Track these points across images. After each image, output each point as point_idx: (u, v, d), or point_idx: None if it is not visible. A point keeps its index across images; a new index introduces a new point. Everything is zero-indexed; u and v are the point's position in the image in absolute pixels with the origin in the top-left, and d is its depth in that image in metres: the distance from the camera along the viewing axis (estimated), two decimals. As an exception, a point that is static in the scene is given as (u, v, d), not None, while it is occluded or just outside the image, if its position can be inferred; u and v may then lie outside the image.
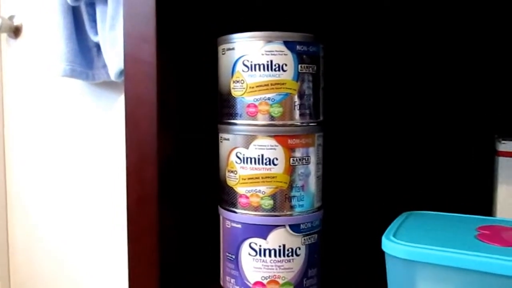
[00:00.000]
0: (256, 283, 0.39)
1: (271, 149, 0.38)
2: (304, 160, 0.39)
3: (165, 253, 0.40)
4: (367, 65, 0.56)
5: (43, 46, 1.02)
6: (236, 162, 0.39)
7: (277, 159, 0.38)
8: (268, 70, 0.38)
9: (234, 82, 0.39)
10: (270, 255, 0.39)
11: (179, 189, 0.43)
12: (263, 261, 0.39)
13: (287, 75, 0.38)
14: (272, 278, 0.39)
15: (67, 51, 0.84)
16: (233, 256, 0.40)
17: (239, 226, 0.40)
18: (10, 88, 1.11)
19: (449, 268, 0.29)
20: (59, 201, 1.05)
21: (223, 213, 0.41)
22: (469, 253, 0.29)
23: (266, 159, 0.38)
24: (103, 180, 0.97)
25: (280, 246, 0.39)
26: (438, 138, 0.53)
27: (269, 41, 0.38)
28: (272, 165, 0.38)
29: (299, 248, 0.39)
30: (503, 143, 0.41)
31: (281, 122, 0.38)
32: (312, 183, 0.40)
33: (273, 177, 0.38)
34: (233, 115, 0.39)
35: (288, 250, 0.39)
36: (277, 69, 0.38)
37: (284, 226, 0.39)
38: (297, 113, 0.39)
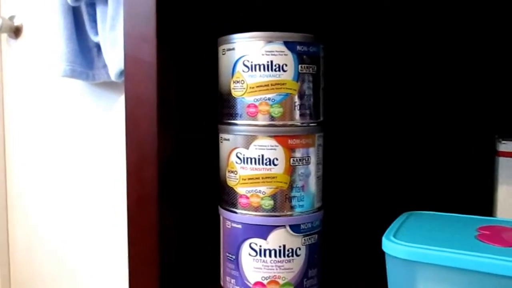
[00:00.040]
0: (256, 283, 0.39)
1: (271, 149, 0.38)
2: (304, 161, 0.39)
3: (165, 253, 0.40)
4: (367, 66, 0.56)
5: (43, 46, 1.02)
6: (236, 162, 0.39)
7: (277, 159, 0.38)
8: (268, 70, 0.38)
9: (234, 82, 0.39)
10: (270, 256, 0.39)
11: (179, 189, 0.43)
12: (263, 261, 0.39)
13: (287, 75, 0.38)
14: (272, 279, 0.39)
15: (67, 51, 0.84)
16: (233, 257, 0.40)
17: (239, 226, 0.40)
18: (11, 88, 1.11)
19: (450, 268, 0.29)
20: (59, 201, 1.05)
21: (223, 213, 0.41)
22: (469, 253, 0.29)
23: (266, 160, 0.38)
24: (103, 180, 0.97)
25: (280, 247, 0.39)
26: (438, 138, 0.53)
27: (270, 41, 0.38)
28: (272, 165, 0.38)
29: (299, 249, 0.39)
30: (504, 143, 0.41)
31: (281, 123, 0.38)
32: (312, 184, 0.40)
33: (273, 178, 0.38)
34: (233, 115, 0.39)
35: (288, 251, 0.39)
36: (277, 69, 0.38)
37: (284, 226, 0.39)
38: (297, 113, 0.39)
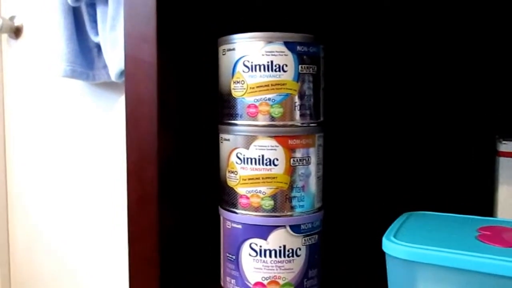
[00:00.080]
0: (257, 283, 0.39)
1: (271, 149, 0.38)
2: (304, 161, 0.39)
3: (166, 253, 0.40)
4: (368, 66, 0.56)
5: (43, 46, 1.02)
6: (237, 163, 0.39)
7: (277, 159, 0.38)
8: (268, 70, 0.38)
9: (234, 82, 0.39)
10: (270, 256, 0.39)
11: (179, 189, 0.43)
12: (264, 261, 0.39)
13: (288, 76, 0.38)
14: (273, 279, 0.39)
15: (67, 51, 0.84)
16: (234, 257, 0.40)
17: (240, 226, 0.39)
18: (11, 88, 1.11)
19: (450, 268, 0.29)
20: (59, 201, 1.05)
21: (224, 213, 0.41)
22: (470, 254, 0.29)
23: (266, 160, 0.38)
24: (103, 180, 0.97)
25: (280, 247, 0.39)
26: (438, 138, 0.53)
27: (270, 42, 0.38)
28: (272, 166, 0.38)
29: (300, 249, 0.39)
30: (504, 144, 0.41)
31: (281, 123, 0.38)
32: (313, 184, 0.40)
33: (274, 178, 0.38)
34: (234, 116, 0.39)
35: (288, 251, 0.39)
36: (277, 69, 0.38)
37: (284, 226, 0.39)
38: (297, 113, 0.39)
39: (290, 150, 0.38)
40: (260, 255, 0.39)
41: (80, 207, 1.02)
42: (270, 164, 0.38)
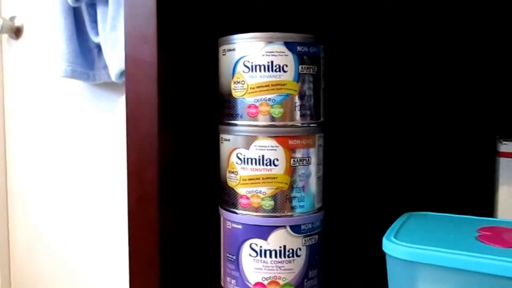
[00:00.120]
0: (257, 284, 0.39)
1: (271, 149, 0.38)
2: (304, 161, 0.39)
3: (166, 253, 0.40)
4: (368, 66, 0.56)
5: (44, 47, 1.02)
6: (237, 163, 0.39)
7: (277, 159, 0.38)
8: (268, 71, 0.38)
9: (234, 82, 0.39)
10: (270, 256, 0.39)
11: (179, 190, 0.43)
12: (264, 262, 0.39)
13: (288, 76, 0.38)
14: (273, 279, 0.39)
15: (68, 51, 0.84)
16: (234, 257, 0.40)
17: (240, 227, 0.39)
18: (11, 88, 1.11)
19: (450, 269, 0.29)
20: (59, 201, 1.05)
21: (224, 213, 0.41)
22: (470, 254, 0.29)
23: (266, 160, 0.38)
24: (103, 180, 0.97)
25: (280, 247, 0.39)
26: (439, 139, 0.53)
27: (270, 42, 0.38)
28: (272, 166, 0.38)
29: (300, 249, 0.39)
30: (504, 144, 0.41)
31: (281, 123, 0.38)
32: (313, 184, 0.40)
33: (274, 178, 0.38)
34: (234, 116, 0.39)
35: (288, 251, 0.39)
36: (277, 69, 0.38)
37: (284, 227, 0.39)
38: (297, 113, 0.39)
39: (290, 150, 0.38)
40: (260, 255, 0.39)
41: (80, 207, 1.02)
42: (270, 165, 0.38)
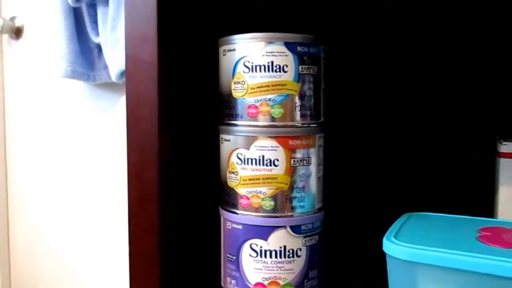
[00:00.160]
0: (257, 284, 0.39)
1: (272, 150, 0.38)
2: (305, 161, 0.39)
3: (166, 254, 0.40)
4: (368, 66, 0.56)
5: (44, 47, 1.02)
6: (237, 163, 0.39)
7: (278, 160, 0.38)
8: (269, 71, 0.38)
9: (235, 83, 0.39)
10: (271, 256, 0.39)
11: (180, 190, 0.43)
12: (264, 262, 0.39)
13: (288, 76, 0.38)
14: (273, 279, 0.39)
15: (68, 52, 0.84)
16: (234, 257, 0.40)
17: (240, 227, 0.39)
18: (12, 88, 1.11)
19: (450, 269, 0.29)
20: (60, 201, 1.05)
21: (224, 214, 0.41)
22: (471, 254, 0.29)
23: (267, 160, 0.38)
24: (103, 181, 0.98)
25: (281, 247, 0.39)
26: (439, 139, 0.53)
27: (270, 42, 0.38)
28: (273, 166, 0.38)
29: (300, 249, 0.39)
30: (504, 144, 0.41)
31: (282, 123, 0.38)
32: (313, 184, 0.40)
33: (274, 178, 0.38)
34: (234, 116, 0.39)
35: (289, 251, 0.39)
36: (278, 70, 0.38)
37: (285, 227, 0.39)
38: (298, 114, 0.39)
39: (290, 151, 0.38)
40: (261, 256, 0.39)
41: (80, 208, 1.02)
42: (270, 165, 0.38)
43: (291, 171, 0.38)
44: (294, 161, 0.38)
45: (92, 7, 0.83)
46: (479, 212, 0.47)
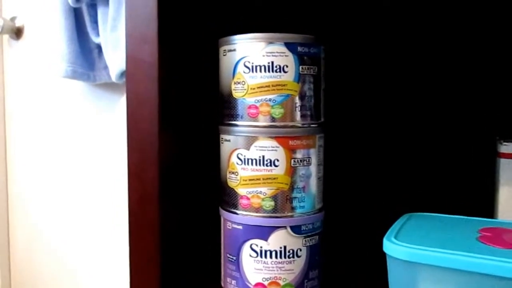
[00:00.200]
0: (257, 284, 0.39)
1: (272, 150, 0.38)
2: (305, 161, 0.39)
3: (166, 254, 0.40)
4: (368, 67, 0.56)
5: (44, 47, 1.02)
6: (237, 163, 0.39)
7: (278, 160, 0.38)
8: (269, 71, 0.38)
9: (235, 83, 0.39)
10: (271, 257, 0.39)
11: (180, 190, 0.43)
12: (264, 262, 0.39)
13: (288, 76, 0.38)
14: (273, 280, 0.39)
15: (68, 52, 0.84)
16: (234, 258, 0.40)
17: (240, 227, 0.39)
18: (12, 89, 1.11)
19: (451, 270, 0.29)
20: (60, 201, 1.05)
21: (224, 214, 0.41)
22: (471, 255, 0.29)
23: (267, 160, 0.38)
24: (103, 181, 0.98)
25: (281, 248, 0.39)
26: (439, 139, 0.53)
27: (270, 43, 0.38)
28: (273, 166, 0.38)
29: (300, 250, 0.39)
30: (505, 145, 0.41)
31: (282, 123, 0.38)
32: (313, 185, 0.40)
33: (274, 178, 0.38)
34: (234, 116, 0.39)
35: (289, 252, 0.39)
36: (278, 70, 0.38)
37: (285, 227, 0.39)
38: (298, 114, 0.39)
39: (290, 151, 0.38)
40: (261, 256, 0.39)
41: (80, 207, 1.02)
42: (270, 165, 0.38)
43: (291, 171, 0.38)
44: (294, 161, 0.38)
45: (93, 7, 0.83)
46: (479, 212, 0.47)
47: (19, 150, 1.11)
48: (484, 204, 0.49)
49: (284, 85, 0.38)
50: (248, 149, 0.39)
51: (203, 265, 0.48)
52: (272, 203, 0.38)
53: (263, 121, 0.38)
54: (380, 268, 0.40)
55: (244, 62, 0.38)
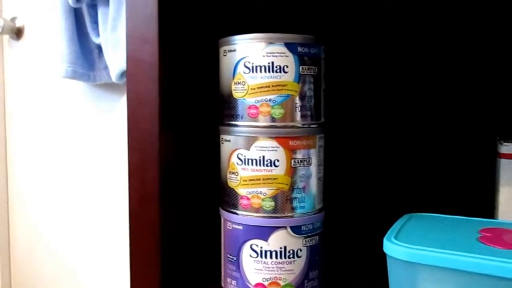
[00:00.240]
0: (257, 284, 0.39)
1: (272, 150, 0.38)
2: (305, 162, 0.39)
3: (166, 254, 0.40)
4: (368, 67, 0.56)
5: (45, 47, 1.02)
6: (237, 164, 0.39)
7: (278, 160, 0.38)
8: (269, 71, 0.38)
9: (235, 83, 0.39)
10: (271, 257, 0.39)
11: (180, 190, 0.43)
12: (264, 262, 0.39)
13: (288, 77, 0.38)
14: (273, 280, 0.39)
15: (68, 52, 0.84)
16: (234, 258, 0.40)
17: (240, 227, 0.39)
18: (12, 89, 1.11)
19: (451, 270, 0.29)
20: (60, 201, 1.05)
21: (224, 214, 0.41)
22: (471, 255, 0.29)
23: (267, 161, 0.38)
24: (103, 181, 0.98)
25: (281, 248, 0.39)
26: (439, 140, 0.53)
27: (270, 43, 0.38)
28: (273, 167, 0.38)
29: (300, 250, 0.39)
30: (505, 145, 0.41)
31: (282, 124, 0.38)
32: (313, 185, 0.40)
33: (274, 179, 0.38)
34: (234, 117, 0.39)
35: (289, 252, 0.39)
36: (278, 70, 0.38)
37: (285, 227, 0.39)
38: (298, 114, 0.39)
39: (290, 151, 0.38)
40: (261, 256, 0.39)
41: (80, 208, 1.02)
42: (270, 165, 0.38)
43: (292, 171, 0.38)
44: (294, 161, 0.38)
45: (93, 7, 0.83)
46: (479, 213, 0.47)
47: (19, 150, 1.12)
48: (484, 204, 0.49)
49: (284, 86, 0.38)
50: (248, 149, 0.39)
51: (203, 265, 0.48)
52: (272, 203, 0.38)
53: (263, 122, 0.38)
54: (380, 269, 0.40)
55: (244, 63, 0.38)
